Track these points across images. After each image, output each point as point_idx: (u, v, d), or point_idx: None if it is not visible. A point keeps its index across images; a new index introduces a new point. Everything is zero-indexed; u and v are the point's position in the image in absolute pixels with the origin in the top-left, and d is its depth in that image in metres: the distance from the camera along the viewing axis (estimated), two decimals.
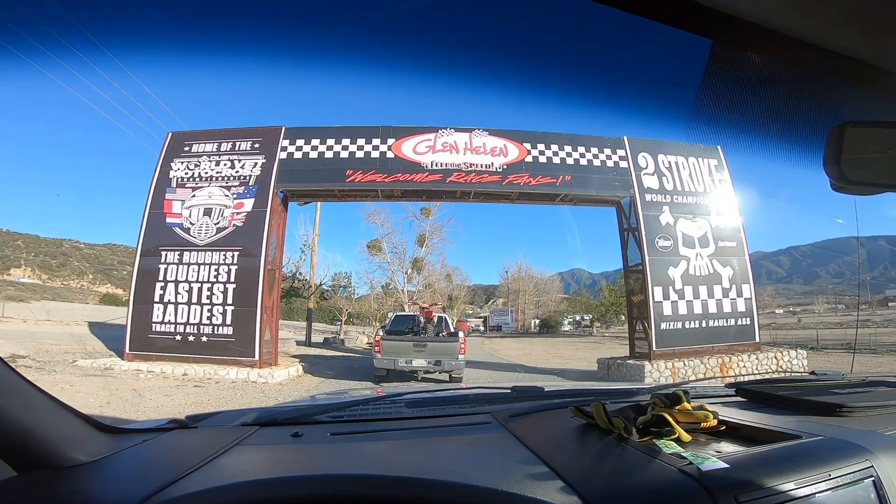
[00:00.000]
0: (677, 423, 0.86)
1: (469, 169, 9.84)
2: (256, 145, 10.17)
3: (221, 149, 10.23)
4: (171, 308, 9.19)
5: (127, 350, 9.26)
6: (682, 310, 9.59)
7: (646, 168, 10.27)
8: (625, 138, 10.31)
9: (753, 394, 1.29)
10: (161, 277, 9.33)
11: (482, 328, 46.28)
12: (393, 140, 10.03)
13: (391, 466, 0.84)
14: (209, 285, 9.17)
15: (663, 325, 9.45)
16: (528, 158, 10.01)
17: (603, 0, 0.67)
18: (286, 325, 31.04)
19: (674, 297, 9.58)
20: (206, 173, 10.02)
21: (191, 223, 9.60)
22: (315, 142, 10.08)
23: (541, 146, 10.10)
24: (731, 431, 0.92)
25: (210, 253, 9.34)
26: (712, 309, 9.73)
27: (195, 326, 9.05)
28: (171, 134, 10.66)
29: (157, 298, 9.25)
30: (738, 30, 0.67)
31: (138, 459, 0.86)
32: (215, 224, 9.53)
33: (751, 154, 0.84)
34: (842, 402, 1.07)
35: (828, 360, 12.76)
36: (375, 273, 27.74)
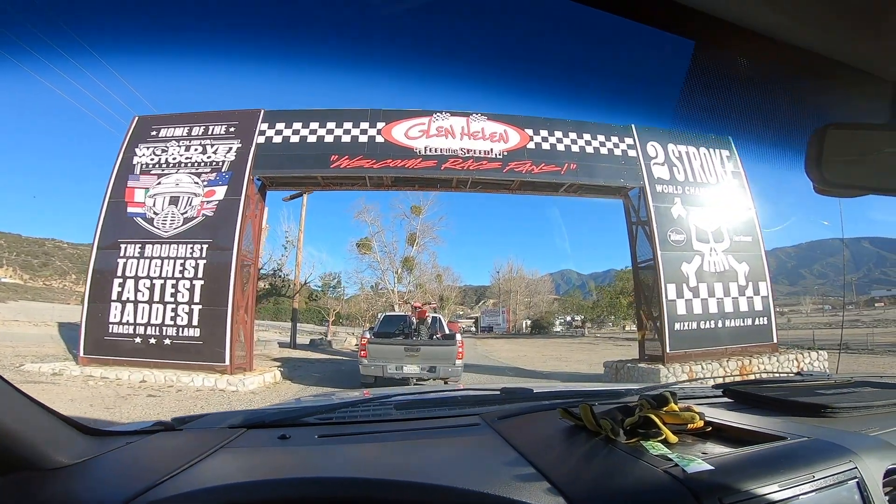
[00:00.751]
0: (664, 424, 0.86)
1: (466, 155, 8.97)
2: (232, 129, 9.18)
3: (192, 133, 9.22)
4: (130, 307, 8.16)
5: (81, 353, 8.25)
6: (697, 309, 8.85)
7: (656, 157, 9.53)
8: (632, 126, 9.56)
9: (740, 395, 1.29)
10: (120, 273, 8.30)
11: (473, 329, 45.78)
12: (383, 124, 9.11)
13: (379, 469, 0.82)
14: (174, 282, 8.15)
15: (677, 326, 8.70)
16: (531, 145, 9.18)
17: (588, 2, 0.67)
18: (272, 326, 30.17)
19: (688, 294, 8.84)
20: (174, 159, 9.00)
21: (154, 213, 8.57)
22: (297, 125, 9.11)
23: (544, 132, 9.28)
24: (718, 432, 0.92)
25: (175, 246, 8.33)
26: (728, 308, 9.01)
27: (157, 328, 8.03)
28: (137, 118, 9.63)
29: (114, 297, 8.22)
30: (720, 31, 0.67)
31: (121, 462, 0.85)
32: (182, 214, 8.52)
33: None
34: (827, 402, 1.07)
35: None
36: (365, 272, 26.99)
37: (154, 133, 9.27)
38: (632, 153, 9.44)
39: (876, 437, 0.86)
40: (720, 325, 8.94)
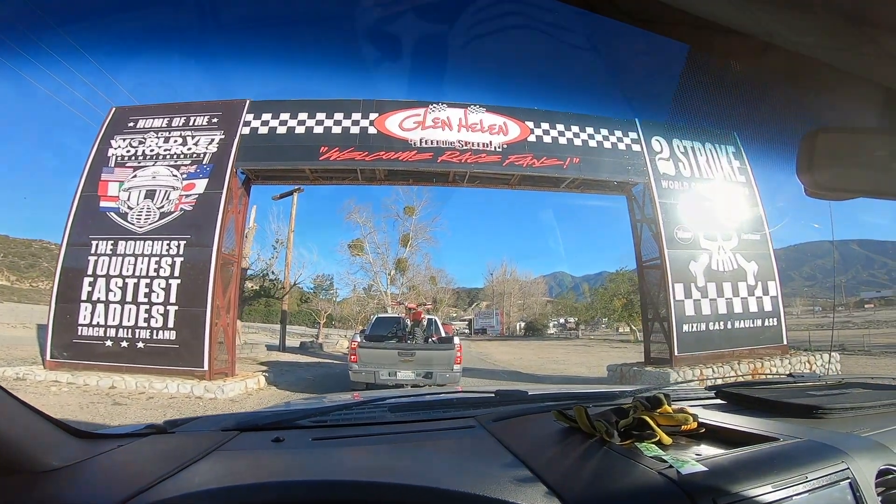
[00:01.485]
0: (658, 426, 0.85)
1: (464, 147, 8.49)
2: (215, 119, 8.61)
3: (173, 124, 8.64)
4: (100, 308, 7.54)
5: (48, 357, 7.64)
6: (706, 309, 8.44)
7: (661, 152, 9.14)
8: (636, 120, 9.17)
9: (733, 396, 1.29)
10: (90, 272, 7.69)
11: (467, 331, 45.39)
12: (376, 115, 8.60)
13: (373, 471, 0.80)
14: (148, 281, 7.55)
15: (685, 327, 8.28)
16: (532, 138, 8.73)
17: (585, 5, 0.66)
18: (263, 328, 29.39)
19: (696, 295, 8.43)
20: (152, 151, 8.41)
21: (129, 207, 7.97)
22: (284, 116, 8.57)
23: (545, 125, 8.84)
24: (711, 434, 0.91)
25: (151, 243, 7.73)
26: (737, 308, 8.62)
27: (129, 330, 7.42)
28: (114, 109, 9.02)
29: (84, 297, 7.62)
30: (713, 36, 0.67)
31: (113, 464, 0.84)
32: (159, 208, 7.92)
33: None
34: (819, 403, 1.06)
35: (865, 362, 11.90)
36: (357, 274, 26.37)
37: (132, 124, 8.68)
38: (636, 147, 9.04)
39: (868, 438, 0.86)
40: (729, 326, 8.55)
